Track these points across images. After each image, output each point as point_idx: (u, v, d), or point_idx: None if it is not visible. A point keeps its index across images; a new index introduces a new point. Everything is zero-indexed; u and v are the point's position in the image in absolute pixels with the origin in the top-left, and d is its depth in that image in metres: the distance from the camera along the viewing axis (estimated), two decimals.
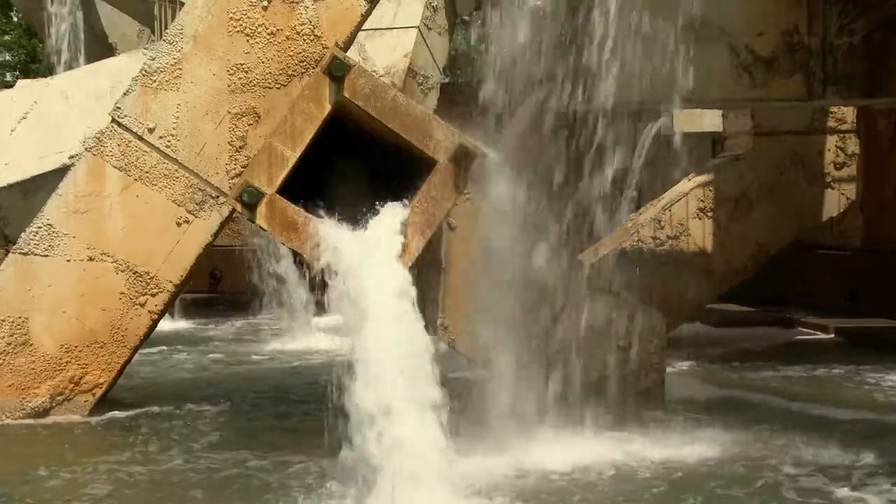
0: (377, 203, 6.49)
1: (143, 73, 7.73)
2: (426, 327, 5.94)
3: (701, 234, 11.96)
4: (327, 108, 6.77)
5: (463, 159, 6.56)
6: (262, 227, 6.62)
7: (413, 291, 5.95)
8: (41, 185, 10.31)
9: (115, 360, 7.77)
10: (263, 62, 7.60)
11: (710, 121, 14.25)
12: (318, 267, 6.38)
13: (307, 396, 8.58)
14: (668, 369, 8.59)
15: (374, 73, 8.10)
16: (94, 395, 7.76)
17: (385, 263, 6.13)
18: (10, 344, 7.66)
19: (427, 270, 7.25)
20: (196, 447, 6.89)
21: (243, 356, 11.26)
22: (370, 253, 6.13)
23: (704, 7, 8.17)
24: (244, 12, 7.60)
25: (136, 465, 6.46)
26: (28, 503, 5.71)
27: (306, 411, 8.00)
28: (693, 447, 6.78)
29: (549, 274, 7.39)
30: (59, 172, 9.28)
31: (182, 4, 11.73)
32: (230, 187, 7.51)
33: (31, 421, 7.60)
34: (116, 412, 7.81)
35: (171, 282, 7.76)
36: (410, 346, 5.74)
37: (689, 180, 12.29)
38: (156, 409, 7.96)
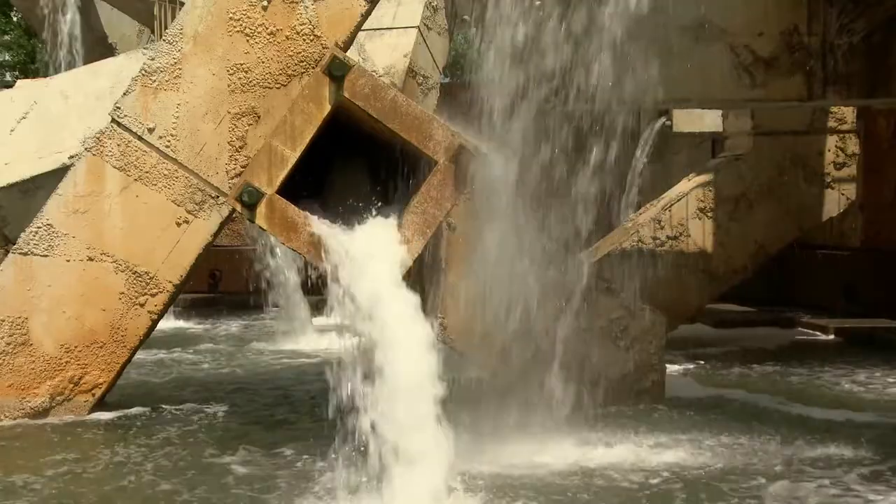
0: (377, 203, 6.49)
1: (143, 73, 7.72)
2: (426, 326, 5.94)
3: (701, 234, 11.96)
4: (327, 108, 6.76)
5: (463, 160, 6.55)
6: (261, 228, 6.61)
7: (412, 290, 5.96)
8: (41, 185, 10.32)
9: (115, 361, 7.77)
10: (263, 62, 7.60)
11: (710, 121, 14.27)
12: (317, 267, 6.38)
13: (301, 398, 8.58)
14: (668, 369, 8.60)
15: (374, 73, 8.10)
16: (93, 395, 7.76)
17: (385, 264, 6.13)
18: (9, 344, 7.66)
19: (427, 270, 7.25)
20: (157, 448, 6.81)
21: (241, 356, 11.24)
22: (370, 254, 6.13)
23: (705, 7, 8.17)
24: (244, 12, 7.59)
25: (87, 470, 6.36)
26: None
27: (299, 414, 8.00)
28: (691, 447, 6.78)
29: (549, 274, 7.39)
30: (59, 172, 9.27)
31: (182, 4, 11.72)
32: (230, 187, 7.51)
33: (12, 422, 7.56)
34: (102, 413, 7.75)
35: (170, 282, 7.76)
36: (410, 345, 5.75)
37: (689, 180, 12.30)
38: (138, 410, 7.89)
